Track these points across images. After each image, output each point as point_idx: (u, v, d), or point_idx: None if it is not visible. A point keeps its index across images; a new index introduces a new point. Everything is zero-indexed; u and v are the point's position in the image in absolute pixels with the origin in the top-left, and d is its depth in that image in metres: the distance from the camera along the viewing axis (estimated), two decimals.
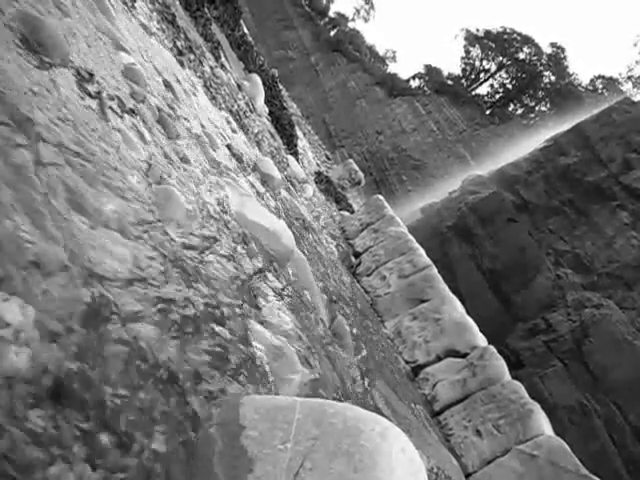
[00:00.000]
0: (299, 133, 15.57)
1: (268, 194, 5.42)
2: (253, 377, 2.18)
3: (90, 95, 2.54)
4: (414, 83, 42.08)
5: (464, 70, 42.68)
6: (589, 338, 15.80)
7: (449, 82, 41.36)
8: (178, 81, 4.85)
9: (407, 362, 7.45)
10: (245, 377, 2.12)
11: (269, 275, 3.37)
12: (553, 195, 19.68)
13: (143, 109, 3.19)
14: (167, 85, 4.26)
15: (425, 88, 40.88)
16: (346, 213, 12.39)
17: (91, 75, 2.67)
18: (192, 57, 6.41)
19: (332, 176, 16.12)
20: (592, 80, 39.74)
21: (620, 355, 15.04)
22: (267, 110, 10.50)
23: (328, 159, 22.03)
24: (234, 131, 6.11)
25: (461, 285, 16.53)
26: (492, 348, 7.15)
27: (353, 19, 48.30)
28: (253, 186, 4.91)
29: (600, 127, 20.13)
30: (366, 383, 4.29)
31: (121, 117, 2.77)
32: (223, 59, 8.95)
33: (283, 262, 3.84)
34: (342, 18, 47.94)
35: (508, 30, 40.73)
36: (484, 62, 41.83)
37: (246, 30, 14.35)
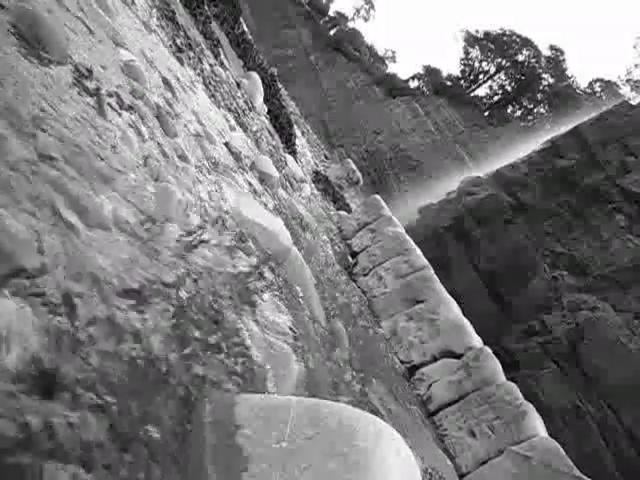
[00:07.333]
0: (298, 132, 15.55)
1: (266, 193, 5.41)
2: (248, 375, 2.18)
3: (88, 92, 2.53)
4: (413, 83, 42.03)
5: (463, 71, 42.69)
6: (584, 340, 15.85)
7: (448, 83, 41.35)
8: (177, 79, 4.84)
9: (403, 362, 7.46)
10: (240, 375, 2.11)
11: (266, 273, 3.37)
12: (550, 197, 19.70)
13: (142, 106, 3.18)
14: (166, 82, 4.25)
15: (424, 89, 40.85)
16: (343, 213, 12.38)
17: (90, 72, 2.66)
18: (191, 55, 6.40)
19: (330, 175, 16.11)
20: (591, 83, 39.87)
21: (615, 357, 15.08)
22: (266, 109, 10.49)
23: (326, 158, 22.02)
24: (233, 129, 6.10)
25: (457, 286, 16.50)
26: (487, 349, 7.17)
27: (353, 18, 48.26)
28: (251, 184, 4.91)
29: (598, 130, 20.15)
30: (361, 383, 4.29)
31: (119, 114, 2.76)
32: (222, 57, 8.93)
33: (280, 260, 3.83)
34: (342, 17, 47.85)
35: (507, 32, 40.79)
36: (483, 64, 41.85)
37: (246, 28, 14.33)
